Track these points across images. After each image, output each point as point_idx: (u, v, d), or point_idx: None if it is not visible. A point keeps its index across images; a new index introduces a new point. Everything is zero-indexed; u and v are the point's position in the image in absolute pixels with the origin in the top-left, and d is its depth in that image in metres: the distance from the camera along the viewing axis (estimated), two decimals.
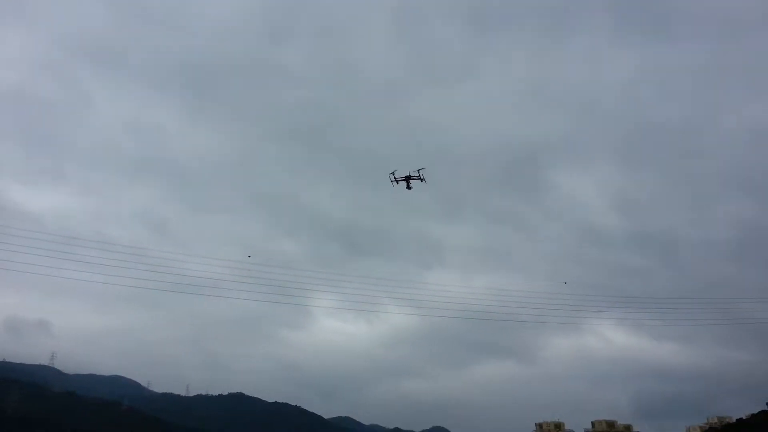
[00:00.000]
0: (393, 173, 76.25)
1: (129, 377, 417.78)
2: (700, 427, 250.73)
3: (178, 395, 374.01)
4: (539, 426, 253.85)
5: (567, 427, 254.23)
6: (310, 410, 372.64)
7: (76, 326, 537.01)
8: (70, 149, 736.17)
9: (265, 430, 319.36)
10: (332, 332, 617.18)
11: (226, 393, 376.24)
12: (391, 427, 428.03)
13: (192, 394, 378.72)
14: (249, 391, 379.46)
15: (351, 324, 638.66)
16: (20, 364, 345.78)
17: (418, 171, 76.11)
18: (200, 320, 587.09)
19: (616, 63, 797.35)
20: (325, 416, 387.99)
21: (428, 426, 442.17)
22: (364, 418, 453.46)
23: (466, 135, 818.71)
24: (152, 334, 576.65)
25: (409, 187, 77.39)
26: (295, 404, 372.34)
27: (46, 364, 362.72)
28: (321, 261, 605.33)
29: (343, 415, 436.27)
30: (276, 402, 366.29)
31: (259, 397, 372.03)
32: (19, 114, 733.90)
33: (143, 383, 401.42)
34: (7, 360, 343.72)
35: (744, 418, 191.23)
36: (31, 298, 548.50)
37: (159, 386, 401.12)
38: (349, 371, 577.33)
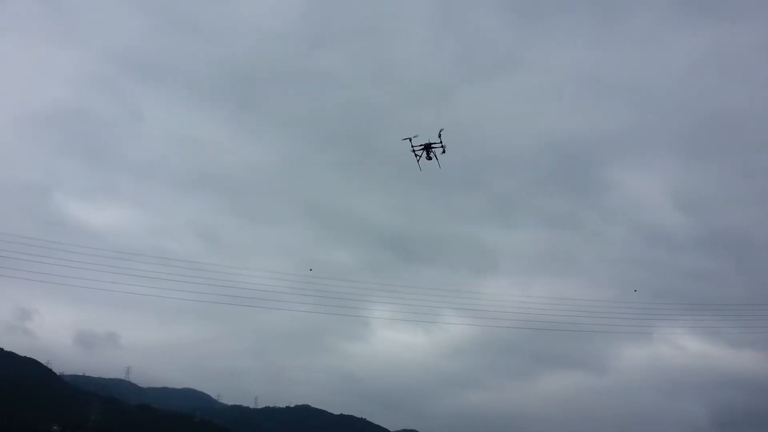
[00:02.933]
0: (411, 140, 63.91)
1: (200, 390, 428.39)
2: None
3: (247, 407, 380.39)
4: None
5: None
6: (375, 422, 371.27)
7: (144, 339, 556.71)
8: (125, 164, 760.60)
9: None
10: (391, 343, 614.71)
11: (292, 405, 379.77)
12: None
13: (260, 406, 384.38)
14: (315, 403, 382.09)
15: (409, 334, 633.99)
16: (98, 378, 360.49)
17: (439, 134, 63.83)
18: (262, 332, 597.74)
19: (675, 47, 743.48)
20: (391, 429, 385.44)
21: None
22: (428, 429, 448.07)
23: (515, 133, 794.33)
24: (217, 347, 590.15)
25: (429, 158, 66.51)
26: (360, 416, 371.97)
27: (122, 377, 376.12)
28: (375, 270, 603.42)
29: (408, 427, 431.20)
30: (342, 414, 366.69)
31: (325, 409, 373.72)
32: (74, 131, 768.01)
33: (213, 395, 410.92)
34: (87, 374, 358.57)
35: None
36: (98, 313, 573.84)
37: (228, 398, 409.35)
38: (410, 383, 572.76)
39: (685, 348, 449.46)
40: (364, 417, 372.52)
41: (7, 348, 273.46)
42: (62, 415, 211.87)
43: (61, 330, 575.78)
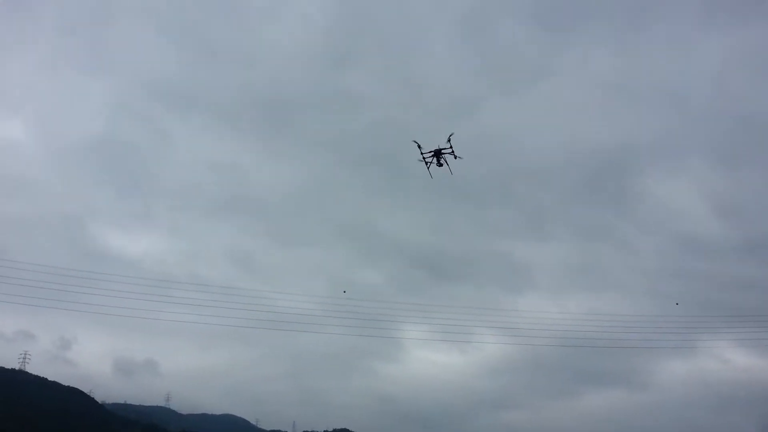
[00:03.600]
0: (419, 145, 60.92)
1: (238, 415, 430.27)
2: None
3: None
4: None
5: None
6: None
7: (182, 366, 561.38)
8: (158, 192, 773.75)
9: None
10: (426, 363, 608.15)
11: (331, 429, 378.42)
12: None
13: (299, 430, 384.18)
14: (353, 427, 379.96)
15: (444, 354, 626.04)
16: (139, 405, 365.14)
17: (449, 139, 60.77)
18: (297, 356, 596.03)
19: (704, 49, 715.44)
20: None
21: None
22: None
23: (544, 144, 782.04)
24: (254, 371, 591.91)
25: (440, 164, 63.49)
26: None
27: (162, 404, 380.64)
28: (407, 289, 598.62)
29: None
30: None
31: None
32: (108, 161, 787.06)
33: (252, 421, 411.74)
34: (128, 402, 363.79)
35: None
36: (137, 341, 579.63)
37: (267, 424, 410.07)
38: (447, 403, 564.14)
39: (731, 361, 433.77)
40: None
41: (51, 378, 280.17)
42: None
43: (101, 358, 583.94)
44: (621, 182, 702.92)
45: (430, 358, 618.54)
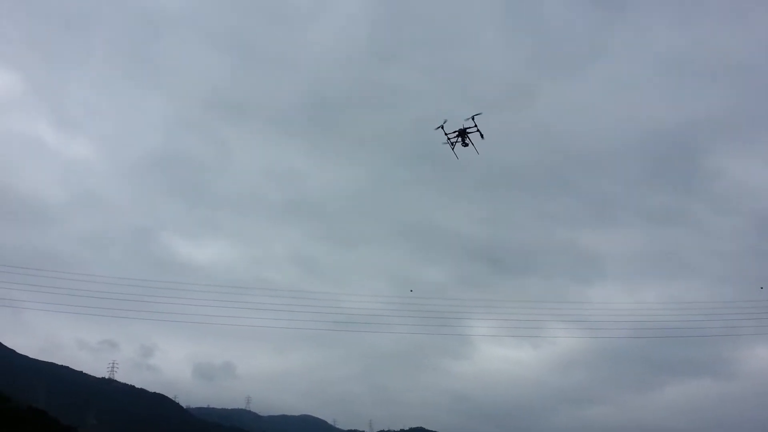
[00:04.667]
0: (443, 127, 58.23)
1: (316, 416, 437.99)
2: None
3: (363, 431, 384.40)
4: None
5: None
6: None
7: (258, 368, 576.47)
8: (220, 200, 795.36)
9: None
10: (497, 360, 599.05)
11: (407, 428, 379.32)
12: None
13: (375, 429, 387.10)
14: (429, 425, 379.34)
15: (515, 350, 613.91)
16: (221, 408, 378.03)
17: (473, 118, 57.57)
18: (368, 355, 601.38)
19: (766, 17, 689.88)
20: None
21: None
22: None
23: (605, 127, 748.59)
24: (327, 372, 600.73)
25: (465, 144, 60.15)
26: None
27: (243, 407, 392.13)
28: (470, 285, 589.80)
29: None
30: None
31: (439, 430, 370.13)
32: (172, 174, 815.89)
33: (329, 421, 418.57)
34: (210, 405, 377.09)
35: None
36: (213, 346, 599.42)
37: (344, 423, 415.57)
38: (522, 400, 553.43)
39: None
40: None
41: (138, 385, 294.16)
42: None
43: (181, 364, 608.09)
44: (690, 162, 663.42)
45: (501, 354, 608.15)
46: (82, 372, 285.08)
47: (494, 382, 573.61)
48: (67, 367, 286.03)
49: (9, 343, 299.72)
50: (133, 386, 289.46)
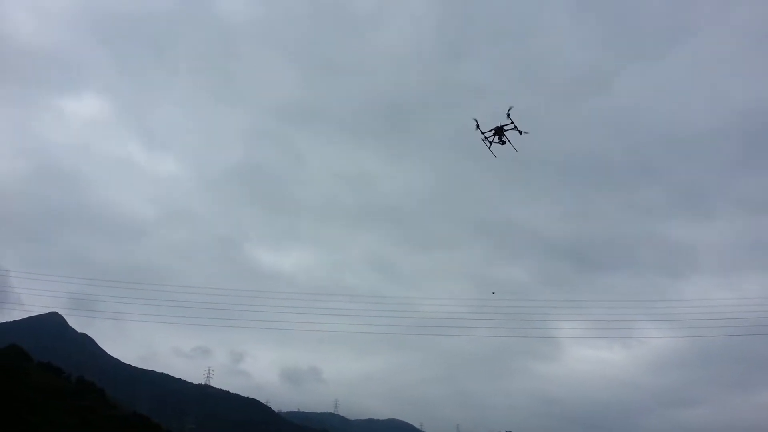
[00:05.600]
0: (478, 124, 57.03)
1: (402, 420, 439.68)
2: None
3: None
4: None
5: None
6: None
7: (343, 373, 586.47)
8: (299, 207, 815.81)
9: None
10: (586, 361, 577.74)
11: None
12: None
13: None
14: (518, 429, 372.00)
15: (605, 350, 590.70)
16: (311, 412, 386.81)
17: (508, 113, 56.44)
18: (450, 358, 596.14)
19: None
20: None
21: None
22: None
23: (690, 110, 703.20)
24: (411, 376, 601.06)
25: (502, 142, 58.62)
26: None
27: (331, 411, 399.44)
28: (554, 284, 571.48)
29: None
30: None
31: None
32: (251, 184, 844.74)
33: (416, 425, 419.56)
34: (300, 409, 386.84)
35: None
36: (299, 350, 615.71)
37: (431, 427, 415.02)
38: (614, 402, 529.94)
39: None
40: None
41: (233, 391, 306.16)
42: None
43: (269, 369, 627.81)
44: None
45: (590, 356, 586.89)
46: (180, 379, 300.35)
47: (584, 384, 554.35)
48: (167, 374, 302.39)
49: (114, 353, 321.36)
50: (228, 391, 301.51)
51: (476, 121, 56.68)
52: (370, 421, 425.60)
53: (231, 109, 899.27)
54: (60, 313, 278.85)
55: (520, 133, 56.47)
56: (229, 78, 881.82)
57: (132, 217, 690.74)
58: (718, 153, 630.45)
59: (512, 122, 56.04)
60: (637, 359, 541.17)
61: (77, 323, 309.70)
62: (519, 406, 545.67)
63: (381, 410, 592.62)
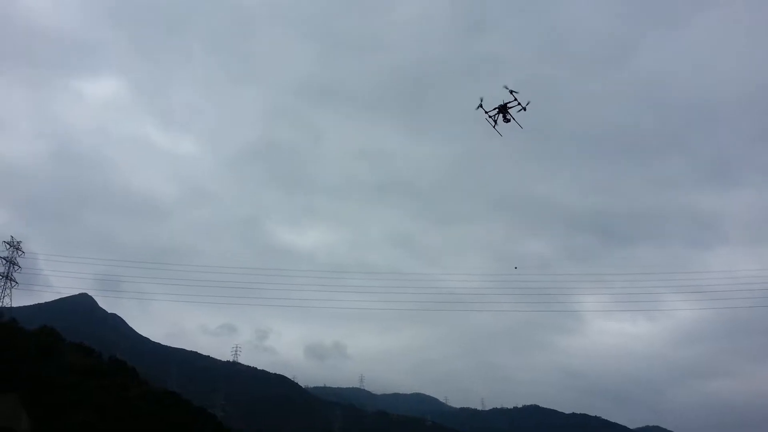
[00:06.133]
0: (481, 103, 55.97)
1: (428, 394, 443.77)
2: None
3: (475, 409, 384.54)
4: None
5: None
6: (612, 420, 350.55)
7: (367, 348, 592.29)
8: (317, 186, 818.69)
9: None
10: (610, 334, 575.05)
11: (520, 405, 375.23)
12: None
13: (488, 408, 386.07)
14: (543, 403, 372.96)
15: (630, 323, 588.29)
16: (337, 387, 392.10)
17: (510, 91, 54.86)
18: (473, 333, 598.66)
19: None
20: (630, 426, 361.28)
21: None
22: (675, 427, 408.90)
23: (715, 79, 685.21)
24: (434, 351, 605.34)
25: (506, 120, 57.26)
26: (594, 414, 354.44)
27: (357, 386, 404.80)
28: (578, 257, 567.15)
29: (650, 424, 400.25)
30: (573, 413, 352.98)
31: (555, 408, 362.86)
32: (270, 164, 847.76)
33: (441, 399, 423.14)
34: (327, 385, 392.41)
35: None
36: (322, 327, 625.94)
37: (456, 401, 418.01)
38: (640, 375, 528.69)
39: None
40: (598, 415, 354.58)
41: (260, 367, 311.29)
42: (312, 425, 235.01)
43: (294, 345, 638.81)
44: None
45: (615, 329, 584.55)
46: (209, 356, 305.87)
47: (608, 357, 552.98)
48: (196, 352, 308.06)
49: (142, 332, 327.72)
50: (256, 368, 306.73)
51: (481, 99, 55.87)
52: (396, 395, 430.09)
53: (248, 88, 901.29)
54: (89, 294, 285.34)
55: (524, 109, 55.33)
56: (246, 57, 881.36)
57: (153, 197, 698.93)
58: (744, 122, 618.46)
59: (515, 99, 55.16)
60: (663, 332, 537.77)
61: (106, 303, 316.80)
62: (543, 379, 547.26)
63: (406, 385, 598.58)
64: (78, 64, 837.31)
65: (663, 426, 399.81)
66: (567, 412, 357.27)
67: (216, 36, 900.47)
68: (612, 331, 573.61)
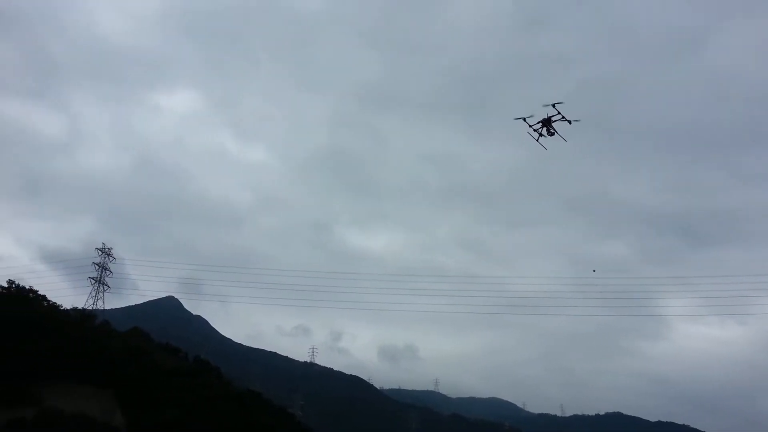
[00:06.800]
0: (525, 118, 55.76)
1: (504, 399, 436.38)
2: None
3: (554, 416, 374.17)
4: None
5: None
6: (701, 429, 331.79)
7: (440, 351, 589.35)
8: (384, 190, 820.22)
9: None
10: (698, 339, 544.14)
11: (602, 412, 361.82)
12: None
13: (567, 414, 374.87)
14: (626, 410, 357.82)
15: (717, 328, 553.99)
16: (412, 390, 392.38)
17: (554, 105, 54.51)
18: (549, 338, 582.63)
19: None
20: None
21: None
22: None
23: None
24: (509, 356, 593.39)
25: (551, 134, 56.66)
26: (681, 423, 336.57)
27: (432, 389, 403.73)
28: (659, 260, 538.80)
29: None
30: (660, 421, 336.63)
31: (639, 416, 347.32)
32: (337, 168, 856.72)
33: (518, 404, 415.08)
34: (402, 387, 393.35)
35: None
36: (394, 329, 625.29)
37: (534, 407, 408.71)
38: (730, 382, 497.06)
39: None
40: (686, 423, 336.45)
41: (336, 368, 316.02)
42: (389, 426, 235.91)
43: (367, 347, 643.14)
44: None
45: (702, 333, 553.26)
46: (287, 357, 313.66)
47: (696, 363, 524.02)
48: (275, 353, 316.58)
49: (225, 333, 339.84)
50: (332, 369, 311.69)
51: (524, 119, 55.72)
52: (471, 399, 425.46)
53: (313, 95, 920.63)
54: (176, 296, 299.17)
55: (570, 122, 54.97)
56: (309, 64, 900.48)
57: (228, 205, 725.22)
58: None
59: (559, 113, 54.94)
60: (755, 336, 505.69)
61: (191, 306, 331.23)
62: (626, 386, 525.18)
63: (481, 389, 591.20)
64: (154, 78, 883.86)
65: None
66: (652, 420, 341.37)
67: (279, 44, 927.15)
68: (699, 336, 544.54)
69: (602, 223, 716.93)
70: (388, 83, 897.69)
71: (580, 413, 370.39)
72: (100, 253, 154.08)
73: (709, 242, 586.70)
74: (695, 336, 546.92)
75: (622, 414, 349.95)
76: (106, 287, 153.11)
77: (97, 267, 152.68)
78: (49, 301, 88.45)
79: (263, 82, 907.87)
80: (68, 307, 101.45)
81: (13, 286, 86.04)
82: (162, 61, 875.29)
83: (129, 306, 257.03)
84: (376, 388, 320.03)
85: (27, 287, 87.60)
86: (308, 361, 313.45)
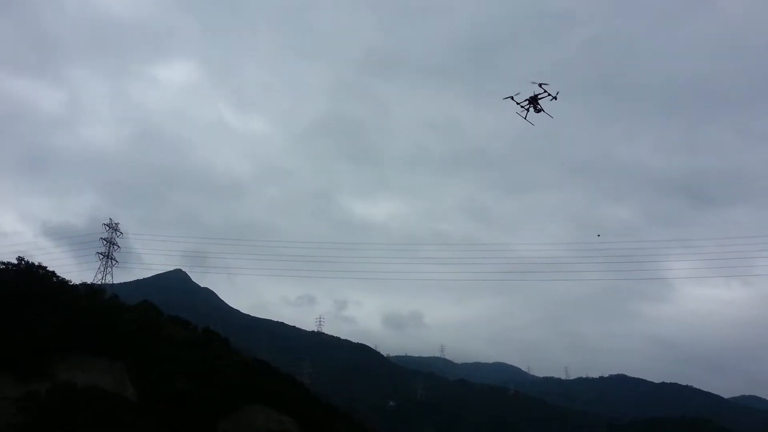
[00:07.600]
0: (512, 97, 57.19)
1: (509, 363, 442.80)
2: None
3: (559, 378, 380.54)
4: None
5: None
6: (705, 389, 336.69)
7: (445, 317, 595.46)
8: (387, 158, 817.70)
9: (655, 412, 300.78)
10: (702, 301, 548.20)
11: (606, 375, 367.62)
12: None
13: (572, 377, 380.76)
14: (630, 372, 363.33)
15: (723, 289, 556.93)
16: (418, 356, 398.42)
17: (540, 85, 55.76)
18: (553, 302, 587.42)
19: None
20: (724, 395, 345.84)
21: None
22: None
23: None
24: (513, 320, 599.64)
25: (537, 111, 58.10)
26: (685, 384, 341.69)
27: (437, 355, 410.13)
28: (664, 222, 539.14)
29: (746, 393, 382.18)
30: (663, 382, 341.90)
31: (643, 377, 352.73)
32: (339, 137, 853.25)
33: (523, 368, 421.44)
34: (408, 354, 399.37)
35: None
36: (399, 297, 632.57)
37: (539, 370, 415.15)
38: (734, 343, 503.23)
39: None
40: (689, 384, 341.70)
41: (343, 337, 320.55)
42: (395, 392, 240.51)
43: (372, 315, 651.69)
44: None
45: (707, 295, 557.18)
46: (294, 326, 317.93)
47: (700, 324, 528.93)
48: (282, 322, 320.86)
49: (232, 304, 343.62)
50: (339, 338, 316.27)
51: (512, 97, 57.12)
52: (477, 364, 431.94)
53: (313, 63, 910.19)
54: (183, 269, 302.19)
55: (554, 98, 56.19)
56: (308, 31, 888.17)
57: (230, 176, 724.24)
58: None
59: (545, 91, 56.28)
60: (759, 296, 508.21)
61: (198, 278, 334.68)
62: (630, 348, 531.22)
63: (486, 354, 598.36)
64: (151, 50, 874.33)
65: (760, 395, 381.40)
66: (656, 381, 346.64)
67: (278, 12, 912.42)
68: (704, 298, 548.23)
69: (606, 187, 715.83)
70: (388, 48, 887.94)
71: (584, 376, 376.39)
72: (108, 228, 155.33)
73: (715, 203, 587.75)
74: (699, 298, 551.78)
75: (626, 376, 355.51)
76: (114, 262, 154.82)
77: (105, 242, 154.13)
78: (58, 276, 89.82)
79: (262, 51, 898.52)
80: (77, 282, 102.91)
81: (23, 262, 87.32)
82: (160, 33, 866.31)
83: (137, 280, 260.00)
84: (382, 356, 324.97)
85: (36, 263, 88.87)
86: (315, 330, 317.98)
